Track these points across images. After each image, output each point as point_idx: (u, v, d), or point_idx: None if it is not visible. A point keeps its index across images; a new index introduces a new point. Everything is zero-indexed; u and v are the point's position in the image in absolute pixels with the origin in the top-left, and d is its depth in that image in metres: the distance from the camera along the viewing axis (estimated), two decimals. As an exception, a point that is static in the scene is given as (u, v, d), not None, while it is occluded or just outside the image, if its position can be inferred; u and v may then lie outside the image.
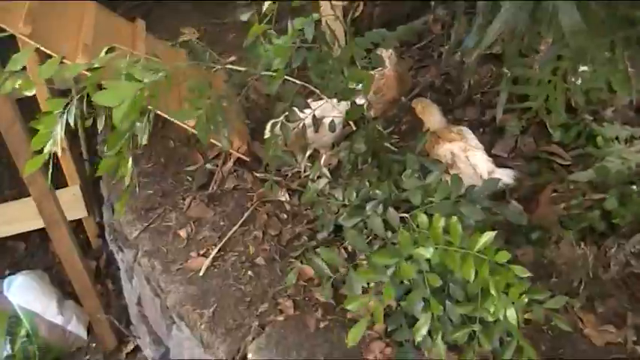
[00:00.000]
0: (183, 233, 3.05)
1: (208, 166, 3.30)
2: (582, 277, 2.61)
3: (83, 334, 4.09)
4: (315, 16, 2.44)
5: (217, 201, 3.17)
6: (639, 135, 3.03)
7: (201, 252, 2.96)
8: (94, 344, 4.09)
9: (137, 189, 3.24)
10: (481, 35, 2.40)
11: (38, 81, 2.30)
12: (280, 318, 2.65)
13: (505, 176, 2.68)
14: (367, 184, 2.59)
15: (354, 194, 2.61)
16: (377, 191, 2.52)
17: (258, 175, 3.20)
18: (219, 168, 3.24)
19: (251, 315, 2.70)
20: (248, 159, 3.22)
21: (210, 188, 3.21)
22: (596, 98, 3.09)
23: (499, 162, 3.07)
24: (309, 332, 2.57)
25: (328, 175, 2.75)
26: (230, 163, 3.24)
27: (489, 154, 3.10)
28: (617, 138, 3.02)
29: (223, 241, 2.96)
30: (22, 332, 3.98)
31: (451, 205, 2.31)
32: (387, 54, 2.95)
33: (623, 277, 2.65)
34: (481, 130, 3.24)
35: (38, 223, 3.62)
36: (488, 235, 2.04)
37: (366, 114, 2.60)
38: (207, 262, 2.89)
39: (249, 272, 2.84)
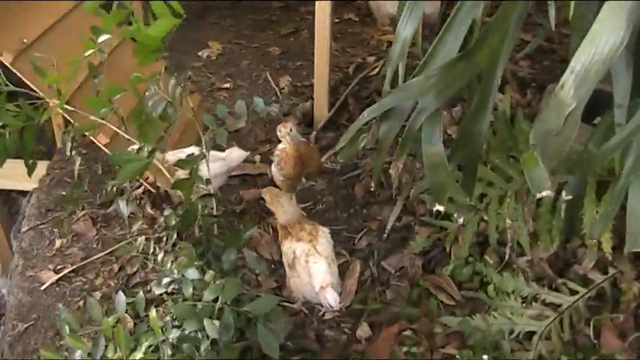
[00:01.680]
0: (58, 243, 3.06)
1: (127, 185, 3.26)
2: None
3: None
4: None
5: (107, 223, 3.15)
6: (544, 298, 2.61)
7: (59, 267, 2.95)
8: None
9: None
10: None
11: None
12: (71, 358, 2.58)
13: (332, 299, 2.42)
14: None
15: (169, 264, 2.47)
16: (173, 269, 2.37)
17: (152, 211, 3.12)
18: (130, 191, 3.19)
19: (52, 345, 2.66)
20: (153, 190, 3.14)
21: (111, 208, 3.19)
22: (515, 240, 2.70)
23: (384, 277, 2.81)
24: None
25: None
26: (140, 190, 3.18)
27: (377, 265, 2.85)
28: (513, 292, 2.63)
29: (74, 266, 2.94)
30: (-39, 280, 4.23)
31: (193, 310, 2.12)
32: (285, 130, 2.75)
33: None
34: (386, 235, 2.95)
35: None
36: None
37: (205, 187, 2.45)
38: (53, 279, 2.88)
39: (81, 303, 2.79)
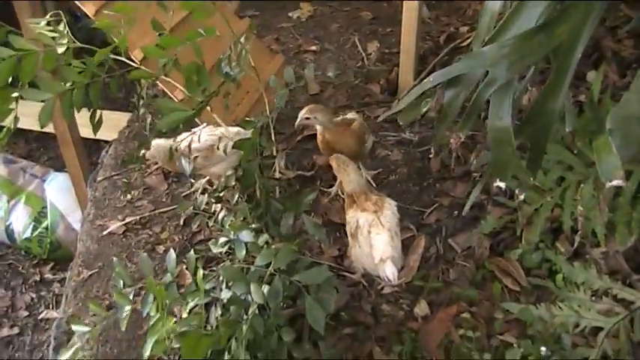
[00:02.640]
0: (129, 195, 3.10)
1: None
2: None
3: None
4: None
5: (178, 178, 3.16)
6: (616, 294, 2.46)
7: (128, 218, 2.99)
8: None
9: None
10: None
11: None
12: (128, 309, 2.62)
13: (390, 273, 2.34)
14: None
15: (228, 224, 2.45)
16: (229, 229, 2.35)
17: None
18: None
19: (108, 293, 2.71)
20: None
21: (183, 163, 3.20)
22: (590, 229, 2.55)
23: (449, 256, 2.71)
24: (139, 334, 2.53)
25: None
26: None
27: (444, 242, 2.76)
28: (582, 284, 2.49)
29: (137, 216, 2.97)
30: (44, 224, 4.37)
31: (241, 274, 2.09)
32: (305, 114, 2.72)
33: None
34: (456, 213, 2.84)
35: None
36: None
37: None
38: (115, 228, 2.93)
39: (144, 255, 2.81)
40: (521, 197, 2.17)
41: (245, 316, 2.06)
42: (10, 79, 2.13)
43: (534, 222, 2.64)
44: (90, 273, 2.79)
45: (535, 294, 2.58)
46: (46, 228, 4.39)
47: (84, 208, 3.89)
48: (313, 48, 4.11)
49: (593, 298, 2.47)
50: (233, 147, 2.38)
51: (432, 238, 2.79)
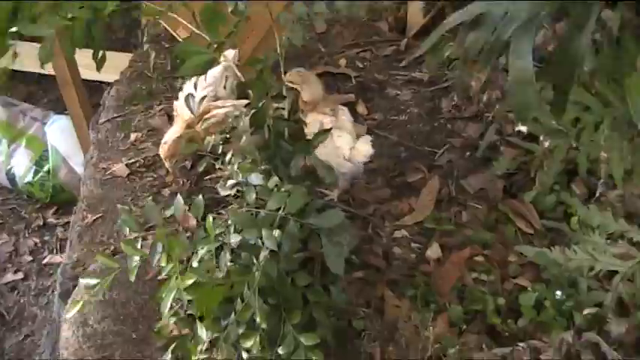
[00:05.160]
0: (133, 137, 3.03)
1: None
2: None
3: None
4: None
5: (182, 119, 3.08)
6: (632, 237, 2.41)
7: (131, 161, 2.92)
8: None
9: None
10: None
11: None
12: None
13: (365, 149, 2.43)
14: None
15: (236, 166, 2.39)
16: (238, 171, 2.29)
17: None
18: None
19: (113, 238, 2.66)
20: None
21: (189, 104, 3.12)
22: (608, 172, 2.49)
23: (461, 197, 2.67)
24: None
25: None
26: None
27: (456, 184, 2.71)
28: (598, 227, 2.44)
29: (142, 158, 2.91)
30: (46, 168, 4.32)
31: (252, 219, 2.03)
32: None
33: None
34: (468, 153, 2.78)
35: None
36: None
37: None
38: (119, 170, 2.88)
39: (149, 198, 2.75)
40: (546, 144, 2.09)
41: (256, 262, 2.02)
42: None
43: (549, 163, 2.58)
44: (94, 217, 2.73)
45: (549, 237, 2.54)
46: (48, 172, 4.32)
47: (86, 151, 3.83)
48: (316, -16, 3.97)
49: (609, 241, 2.42)
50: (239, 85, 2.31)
51: (444, 180, 2.73)
